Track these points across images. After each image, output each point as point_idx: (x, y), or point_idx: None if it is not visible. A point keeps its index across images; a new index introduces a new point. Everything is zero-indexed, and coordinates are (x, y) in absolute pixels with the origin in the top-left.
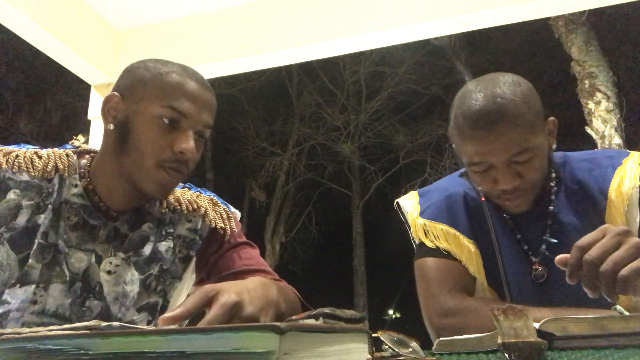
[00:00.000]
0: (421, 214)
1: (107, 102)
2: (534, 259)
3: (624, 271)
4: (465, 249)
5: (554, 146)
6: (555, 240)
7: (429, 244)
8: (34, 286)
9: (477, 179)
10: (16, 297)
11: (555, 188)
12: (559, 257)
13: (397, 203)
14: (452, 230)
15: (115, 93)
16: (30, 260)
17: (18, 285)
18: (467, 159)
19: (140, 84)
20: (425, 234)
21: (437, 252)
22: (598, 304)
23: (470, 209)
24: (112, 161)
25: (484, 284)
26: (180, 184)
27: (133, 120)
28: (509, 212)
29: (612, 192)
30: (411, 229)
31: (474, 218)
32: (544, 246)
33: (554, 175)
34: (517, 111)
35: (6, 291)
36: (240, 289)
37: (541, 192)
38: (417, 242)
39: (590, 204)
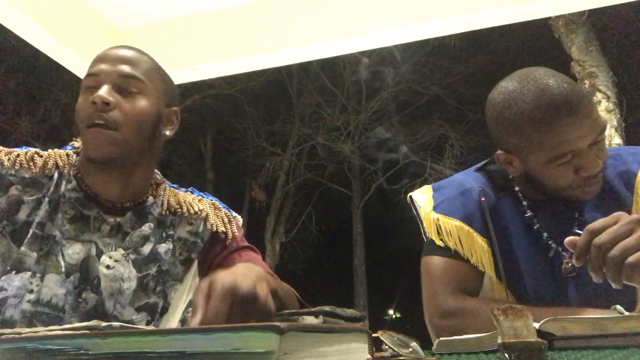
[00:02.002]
0: (434, 209)
1: None
2: (565, 255)
3: (632, 258)
4: (478, 246)
5: None
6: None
7: (438, 241)
8: (29, 274)
9: (558, 173)
10: (12, 283)
11: None
12: (568, 238)
13: (410, 197)
14: (465, 227)
15: None
16: (23, 248)
17: (14, 272)
18: (550, 154)
19: None
20: (438, 230)
21: (444, 251)
22: (628, 298)
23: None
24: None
25: (495, 283)
26: (183, 188)
27: None
28: (579, 200)
29: (639, 185)
30: (424, 224)
31: (489, 212)
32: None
33: None
34: (584, 92)
35: (2, 278)
36: (230, 273)
37: None
38: (425, 235)
39: (617, 201)
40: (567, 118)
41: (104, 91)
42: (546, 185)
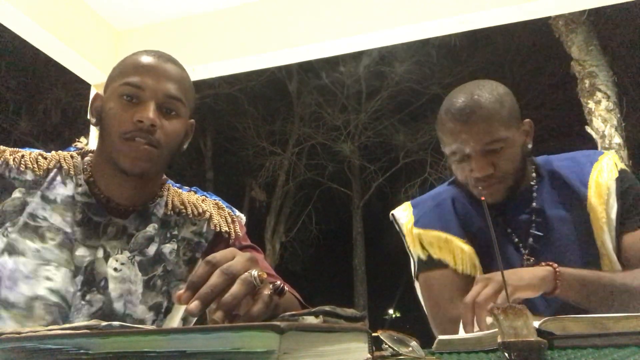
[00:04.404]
0: (415, 224)
1: (92, 102)
2: (523, 251)
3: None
4: (458, 250)
5: (530, 145)
6: (540, 233)
7: (422, 255)
8: (23, 259)
9: (455, 169)
10: (7, 266)
11: (537, 186)
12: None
13: (393, 215)
14: (444, 235)
15: (100, 93)
16: (13, 234)
17: (6, 254)
18: (448, 150)
19: (110, 75)
20: (421, 244)
21: (435, 265)
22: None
23: (459, 211)
24: (100, 152)
25: None
26: (186, 187)
27: (104, 108)
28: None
29: (592, 182)
30: (407, 239)
31: (463, 219)
32: (531, 239)
33: (534, 174)
34: (490, 106)
35: None
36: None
37: (523, 188)
38: (411, 252)
39: (573, 195)
40: (459, 123)
41: (151, 113)
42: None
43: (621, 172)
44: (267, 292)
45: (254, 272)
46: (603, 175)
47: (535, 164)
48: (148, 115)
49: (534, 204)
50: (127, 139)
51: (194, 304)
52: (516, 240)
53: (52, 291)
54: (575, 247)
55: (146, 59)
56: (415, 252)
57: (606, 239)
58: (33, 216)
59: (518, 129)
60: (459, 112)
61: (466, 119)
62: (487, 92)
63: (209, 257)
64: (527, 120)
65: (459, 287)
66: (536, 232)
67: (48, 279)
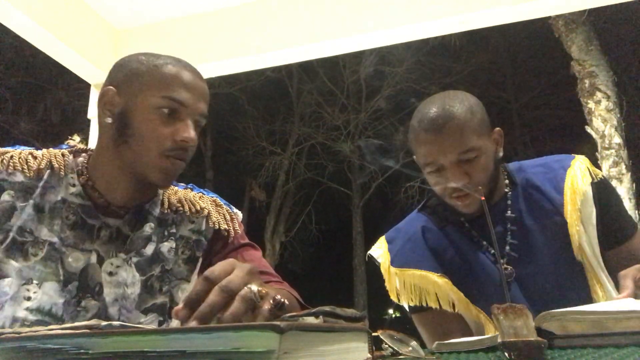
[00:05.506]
0: (392, 263)
1: (102, 96)
2: (502, 261)
3: None
4: (434, 284)
5: (501, 154)
6: (516, 242)
7: (396, 300)
8: (8, 280)
9: (432, 180)
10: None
11: (510, 193)
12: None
13: (370, 255)
14: (417, 272)
15: (110, 87)
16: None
17: None
18: (422, 161)
19: (136, 77)
20: (397, 285)
21: (422, 308)
22: (581, 298)
23: (429, 242)
24: (110, 154)
25: (468, 304)
26: (182, 184)
27: (132, 113)
28: (466, 217)
29: (567, 189)
30: (385, 279)
31: (435, 250)
32: (508, 247)
33: (507, 182)
34: (462, 116)
35: None
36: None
37: (497, 199)
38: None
39: (549, 203)
40: (432, 134)
41: (193, 133)
42: (435, 193)
43: (596, 176)
44: (267, 307)
45: (254, 288)
46: (577, 180)
47: (508, 171)
48: (191, 136)
49: (509, 212)
50: (165, 156)
51: (192, 324)
52: (493, 252)
53: (32, 310)
54: (556, 255)
55: (187, 76)
56: (392, 292)
57: (584, 245)
58: (22, 230)
59: (489, 138)
60: (431, 123)
61: (439, 129)
62: (458, 102)
63: (207, 272)
64: (497, 129)
65: (448, 325)
66: (512, 241)
67: (28, 299)
